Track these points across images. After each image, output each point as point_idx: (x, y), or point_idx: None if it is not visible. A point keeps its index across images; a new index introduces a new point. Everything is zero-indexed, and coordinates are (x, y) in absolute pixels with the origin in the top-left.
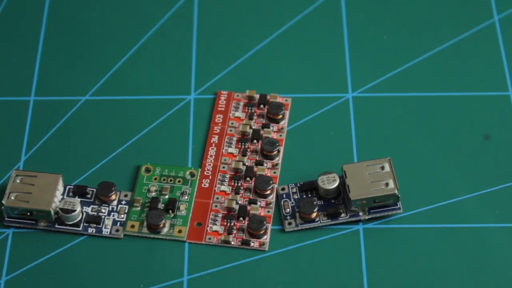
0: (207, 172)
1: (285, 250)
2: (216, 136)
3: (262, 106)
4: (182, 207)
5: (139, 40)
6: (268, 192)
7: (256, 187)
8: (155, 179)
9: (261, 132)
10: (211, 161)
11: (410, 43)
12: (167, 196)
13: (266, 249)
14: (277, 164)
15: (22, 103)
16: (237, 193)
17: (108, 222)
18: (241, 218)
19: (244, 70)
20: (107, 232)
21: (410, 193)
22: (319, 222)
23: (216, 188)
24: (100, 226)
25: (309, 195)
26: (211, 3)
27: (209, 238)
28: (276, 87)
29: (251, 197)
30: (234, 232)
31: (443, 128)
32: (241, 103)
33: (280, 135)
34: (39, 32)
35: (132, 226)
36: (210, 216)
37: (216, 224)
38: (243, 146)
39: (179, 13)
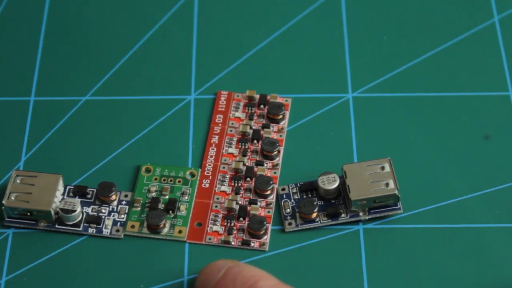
0: (207, 173)
1: (285, 250)
2: (216, 136)
3: (262, 106)
4: (182, 207)
5: (139, 40)
6: (268, 192)
7: (256, 187)
8: (155, 179)
9: (261, 132)
10: (211, 161)
11: (410, 43)
12: (167, 196)
13: (266, 249)
14: (277, 164)
15: (22, 103)
16: (237, 193)
17: (108, 222)
18: (241, 218)
19: (244, 70)
20: (107, 232)
21: (410, 193)
22: (319, 222)
23: (216, 188)
24: (100, 226)
25: (309, 195)
26: (211, 3)
27: (209, 238)
28: (276, 87)
29: (251, 197)
30: (234, 232)
31: (443, 128)
32: (241, 103)
33: (280, 135)
34: (39, 32)
35: (132, 226)
36: (210, 216)
37: (216, 225)
38: (243, 147)
39: (179, 13)
